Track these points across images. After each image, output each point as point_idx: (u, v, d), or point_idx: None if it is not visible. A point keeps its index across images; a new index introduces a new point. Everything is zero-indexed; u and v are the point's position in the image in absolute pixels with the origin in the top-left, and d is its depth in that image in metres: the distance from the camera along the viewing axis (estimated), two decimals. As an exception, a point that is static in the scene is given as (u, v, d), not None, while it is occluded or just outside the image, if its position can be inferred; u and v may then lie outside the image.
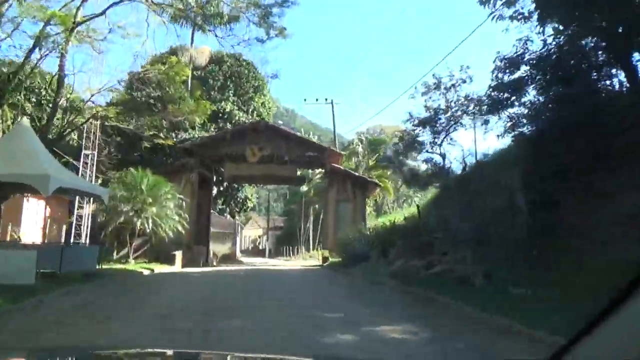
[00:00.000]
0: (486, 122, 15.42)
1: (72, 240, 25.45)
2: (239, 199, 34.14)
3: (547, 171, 12.12)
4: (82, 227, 25.94)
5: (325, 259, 22.57)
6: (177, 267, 20.92)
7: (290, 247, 50.90)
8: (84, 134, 27.98)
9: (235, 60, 36.61)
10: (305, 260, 46.32)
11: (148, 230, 18.72)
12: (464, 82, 19.49)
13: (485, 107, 14.95)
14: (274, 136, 24.33)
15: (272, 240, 63.61)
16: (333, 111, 31.24)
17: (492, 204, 12.91)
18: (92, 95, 14.61)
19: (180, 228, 20.07)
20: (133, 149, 30.61)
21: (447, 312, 8.03)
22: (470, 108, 19.26)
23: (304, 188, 54.67)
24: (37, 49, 15.12)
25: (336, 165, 24.63)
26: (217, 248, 38.98)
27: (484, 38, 21.64)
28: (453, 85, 19.65)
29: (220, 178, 31.52)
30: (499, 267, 11.12)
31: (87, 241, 26.66)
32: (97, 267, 16.75)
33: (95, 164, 28.01)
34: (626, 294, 1.06)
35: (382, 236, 18.58)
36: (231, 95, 34.80)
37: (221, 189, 32.31)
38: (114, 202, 18.77)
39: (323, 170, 33.53)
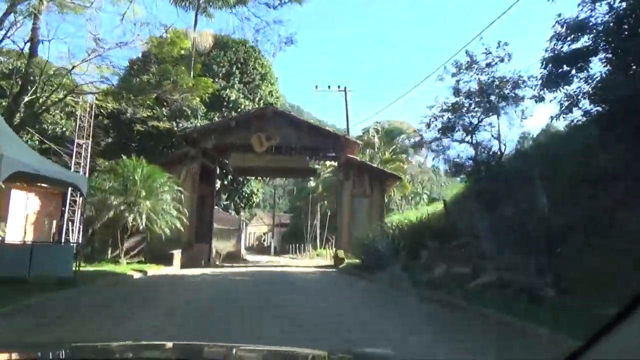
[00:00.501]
0: (541, 99, 12.98)
1: (63, 238, 23.34)
2: (244, 194, 31.88)
3: (620, 159, 9.80)
4: (74, 223, 23.85)
5: (339, 260, 20.26)
6: (175, 268, 18.70)
7: (297, 245, 48.78)
8: (77, 122, 25.92)
9: (241, 46, 34.33)
10: (312, 259, 44.15)
11: (141, 227, 16.48)
12: (502, 60, 17.11)
13: (540, 82, 12.55)
14: (283, 124, 22.01)
15: (277, 237, 61.97)
16: (346, 99, 28.89)
17: (550, 197, 10.60)
18: (74, 67, 12.33)
19: (178, 224, 17.82)
20: (129, 139, 28.48)
21: (540, 344, 5.70)
22: (508, 90, 16.99)
23: (312, 184, 52.82)
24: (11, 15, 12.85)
25: (352, 156, 22.28)
26: (221, 245, 36.85)
27: (521, 16, 19.00)
28: (489, 64, 17.30)
29: (224, 171, 29.30)
30: (568, 276, 8.84)
31: (80, 239, 24.56)
32: (81, 269, 14.56)
33: (89, 154, 25.94)
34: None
35: (408, 236, 16.26)
36: (237, 82, 32.51)
37: (225, 182, 30.04)
38: (102, 195, 16.59)
39: (335, 163, 31.23)
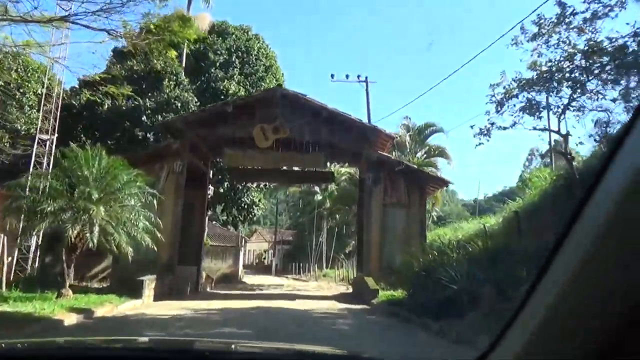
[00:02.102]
0: None
1: (15, 256, 18.25)
2: (243, 205, 26.62)
3: None
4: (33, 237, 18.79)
5: (369, 291, 14.96)
6: (142, 303, 13.43)
7: (300, 264, 44.49)
8: (41, 113, 21.34)
9: (242, 33, 29.51)
10: (318, 280, 39.03)
11: (91, 244, 11.21)
12: (610, 12, 12.11)
13: None
14: (294, 111, 16.92)
15: (279, 255, 57.56)
16: (367, 91, 23.90)
17: None
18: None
19: (148, 240, 12.56)
20: (107, 136, 23.58)
21: None
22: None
23: (318, 197, 48.45)
24: None
25: (385, 154, 17.13)
26: (216, 265, 31.62)
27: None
28: (590, 18, 12.28)
29: (220, 177, 24.19)
30: None
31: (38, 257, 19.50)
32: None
33: (53, 151, 21.16)
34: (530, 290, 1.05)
35: (479, 261, 11.00)
36: (237, 74, 27.57)
37: (221, 190, 24.84)
38: (35, 197, 11.46)
39: (352, 170, 26.15)
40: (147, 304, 13.47)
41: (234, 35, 28.90)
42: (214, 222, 46.48)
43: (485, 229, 15.95)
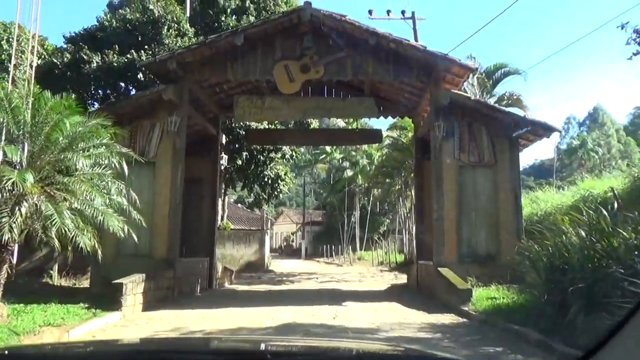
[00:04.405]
0: None
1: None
2: (266, 179, 22.03)
3: None
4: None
5: (455, 292, 10.22)
6: (124, 316, 9.04)
7: (330, 247, 41.12)
8: (12, 63, 17.09)
9: (258, -23, 24.54)
10: (353, 264, 34.72)
11: (7, 236, 6.72)
12: None
13: None
14: (331, 40, 12.09)
15: (308, 237, 54.08)
16: (415, 29, 18.79)
17: None
18: None
19: (116, 223, 8.00)
20: (96, 99, 19.46)
21: None
22: None
23: (349, 172, 45.30)
24: None
25: (459, 93, 12.12)
26: (239, 252, 27.35)
27: None
28: None
29: (237, 145, 19.61)
30: None
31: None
32: None
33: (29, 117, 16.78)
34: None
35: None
36: (252, 20, 22.77)
37: (239, 162, 20.22)
38: None
39: (414, 116, 21.27)
40: (127, 320, 9.04)
41: (248, -21, 23.98)
42: (238, 205, 42.56)
43: (616, 194, 10.85)
